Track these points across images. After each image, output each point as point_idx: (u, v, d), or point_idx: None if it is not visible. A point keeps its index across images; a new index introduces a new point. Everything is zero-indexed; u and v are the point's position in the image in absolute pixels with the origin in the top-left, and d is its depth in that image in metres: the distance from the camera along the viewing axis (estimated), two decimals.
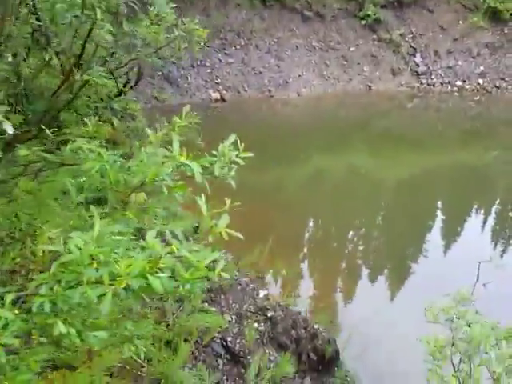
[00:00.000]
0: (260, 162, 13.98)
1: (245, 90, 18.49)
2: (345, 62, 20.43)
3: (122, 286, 1.67)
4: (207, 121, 16.63)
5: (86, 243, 1.73)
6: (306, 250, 9.93)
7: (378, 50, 21.22)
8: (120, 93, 7.92)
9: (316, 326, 6.06)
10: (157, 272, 1.70)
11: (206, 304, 5.65)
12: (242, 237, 1.93)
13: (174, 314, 5.10)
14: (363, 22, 21.26)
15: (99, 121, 7.07)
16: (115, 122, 7.65)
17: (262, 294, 6.38)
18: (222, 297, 5.99)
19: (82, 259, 1.70)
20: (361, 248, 10.12)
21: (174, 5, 5.75)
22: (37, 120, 4.08)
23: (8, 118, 2.83)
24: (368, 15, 21.11)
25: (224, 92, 18.15)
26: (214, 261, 1.78)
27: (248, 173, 13.22)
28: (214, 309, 5.62)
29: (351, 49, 20.79)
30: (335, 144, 15.86)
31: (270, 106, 18.60)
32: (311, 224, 11.29)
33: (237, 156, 2.29)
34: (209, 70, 18.29)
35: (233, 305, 5.95)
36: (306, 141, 15.75)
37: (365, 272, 9.06)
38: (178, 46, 6.07)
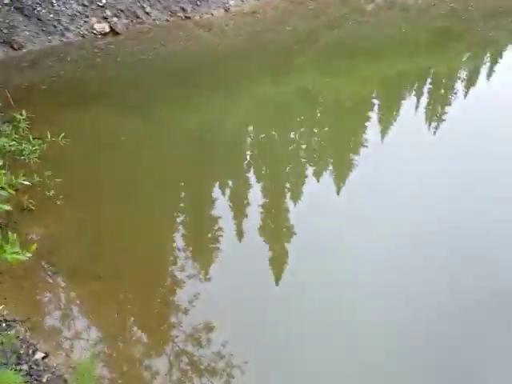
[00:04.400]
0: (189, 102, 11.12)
1: (146, 13, 13.48)
2: None
3: None
4: (88, 71, 11.80)
5: None
6: None
7: None
8: None
9: None
10: None
11: None
12: None
13: None
14: None
15: None
16: None
17: None
18: None
19: None
20: None
21: None
22: None
23: None
24: None
25: (115, 20, 12.99)
26: None
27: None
28: None
29: None
30: (278, 68, 12.95)
31: (186, 32, 13.98)
32: None
33: None
34: None
35: None
36: (241, 69, 12.83)
37: None
38: None
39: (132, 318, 5.88)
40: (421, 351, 5.70)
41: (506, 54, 14.78)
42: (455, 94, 12.34)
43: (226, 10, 14.79)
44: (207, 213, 7.94)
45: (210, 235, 7.45)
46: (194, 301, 6.16)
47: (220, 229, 7.52)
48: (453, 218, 7.65)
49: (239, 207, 8.10)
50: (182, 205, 8.27)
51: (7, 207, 4.55)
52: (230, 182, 8.81)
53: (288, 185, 8.86)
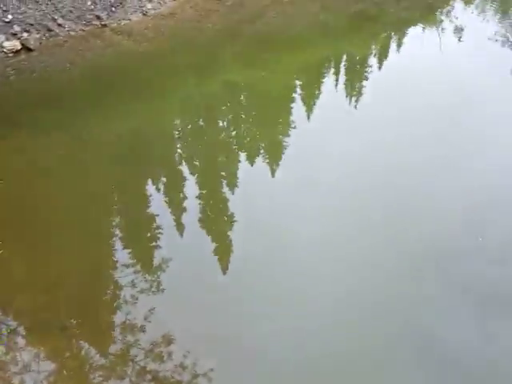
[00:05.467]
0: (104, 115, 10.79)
1: (59, 25, 12.52)
2: None
3: None
4: (3, 92, 10.85)
5: None
6: None
7: None
8: None
9: None
10: None
11: None
12: None
13: None
14: None
15: None
16: None
17: None
18: None
19: None
20: None
21: None
22: None
23: None
24: None
25: (25, 35, 11.98)
26: None
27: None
28: None
29: None
30: (203, 66, 12.75)
31: (104, 40, 13.21)
32: None
33: None
34: None
35: None
36: (165, 70, 12.41)
37: None
38: None
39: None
40: None
41: (415, 31, 15.83)
42: (370, 68, 13.36)
43: (144, 14, 14.09)
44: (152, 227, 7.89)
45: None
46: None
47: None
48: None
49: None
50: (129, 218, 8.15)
51: None
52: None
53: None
